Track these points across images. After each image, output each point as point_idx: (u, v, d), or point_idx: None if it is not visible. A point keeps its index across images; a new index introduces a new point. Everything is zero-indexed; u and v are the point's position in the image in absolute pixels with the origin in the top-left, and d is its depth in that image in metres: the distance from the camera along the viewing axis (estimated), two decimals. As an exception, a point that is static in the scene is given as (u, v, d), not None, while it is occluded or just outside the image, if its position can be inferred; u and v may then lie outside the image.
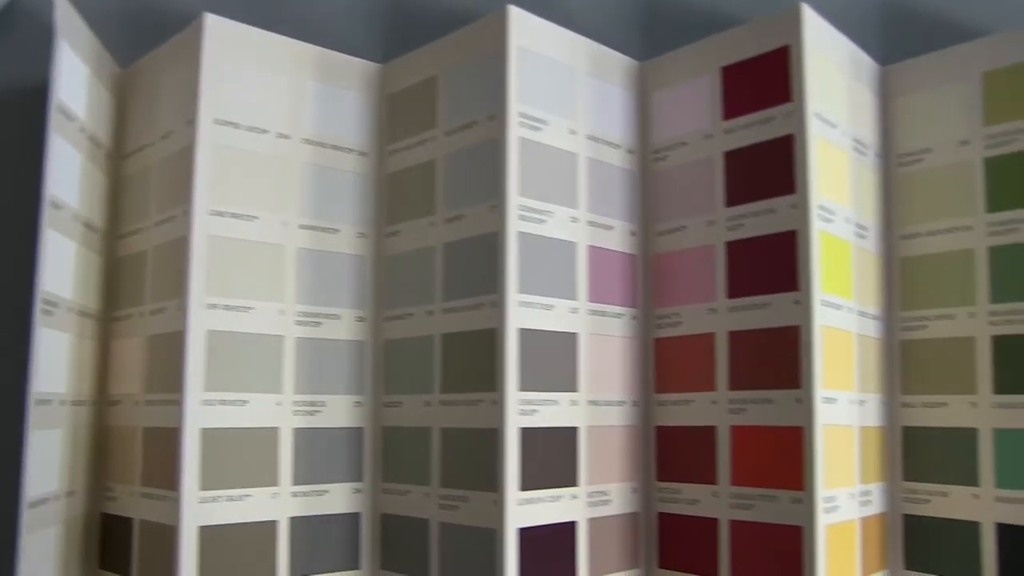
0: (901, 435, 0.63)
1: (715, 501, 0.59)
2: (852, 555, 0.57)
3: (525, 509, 0.54)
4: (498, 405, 0.54)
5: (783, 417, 0.55)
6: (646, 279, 0.63)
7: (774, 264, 0.57)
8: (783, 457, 0.55)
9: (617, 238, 0.62)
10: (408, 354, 0.60)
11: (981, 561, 0.59)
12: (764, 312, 0.57)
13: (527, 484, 0.55)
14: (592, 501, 0.58)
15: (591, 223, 0.60)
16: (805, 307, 0.55)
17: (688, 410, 0.60)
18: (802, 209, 0.56)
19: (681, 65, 0.63)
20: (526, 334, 0.55)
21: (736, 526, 0.57)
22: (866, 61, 0.63)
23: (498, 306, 0.55)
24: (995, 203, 0.60)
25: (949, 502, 0.60)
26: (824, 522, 0.54)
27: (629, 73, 0.64)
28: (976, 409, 0.60)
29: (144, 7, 0.67)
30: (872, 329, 0.61)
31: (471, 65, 0.59)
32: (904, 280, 0.64)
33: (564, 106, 0.59)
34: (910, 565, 0.62)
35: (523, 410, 0.55)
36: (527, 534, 0.54)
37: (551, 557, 0.56)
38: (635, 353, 0.62)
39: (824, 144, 0.57)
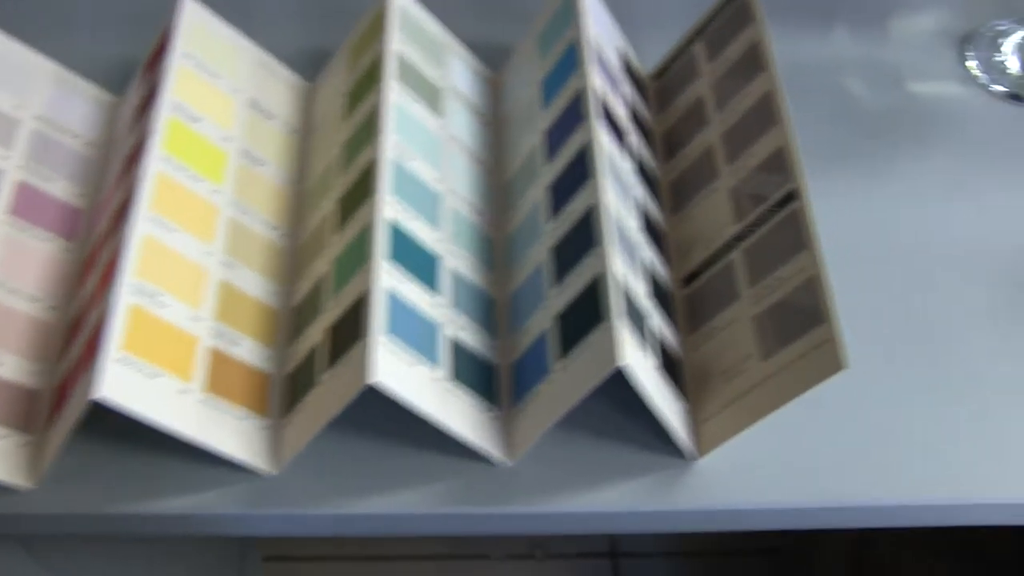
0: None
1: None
2: (180, 358, 0.63)
3: None
4: None
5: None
6: (89, 223, 0.76)
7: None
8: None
9: (59, 190, 0.75)
10: None
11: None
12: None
13: None
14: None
15: (21, 167, 0.74)
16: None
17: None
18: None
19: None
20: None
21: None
22: (274, 65, 0.82)
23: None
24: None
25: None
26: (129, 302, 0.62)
27: (97, 98, 0.82)
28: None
29: None
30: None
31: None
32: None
33: (13, 89, 0.77)
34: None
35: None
36: None
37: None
38: (65, 271, 0.72)
39: (196, 78, 0.74)
